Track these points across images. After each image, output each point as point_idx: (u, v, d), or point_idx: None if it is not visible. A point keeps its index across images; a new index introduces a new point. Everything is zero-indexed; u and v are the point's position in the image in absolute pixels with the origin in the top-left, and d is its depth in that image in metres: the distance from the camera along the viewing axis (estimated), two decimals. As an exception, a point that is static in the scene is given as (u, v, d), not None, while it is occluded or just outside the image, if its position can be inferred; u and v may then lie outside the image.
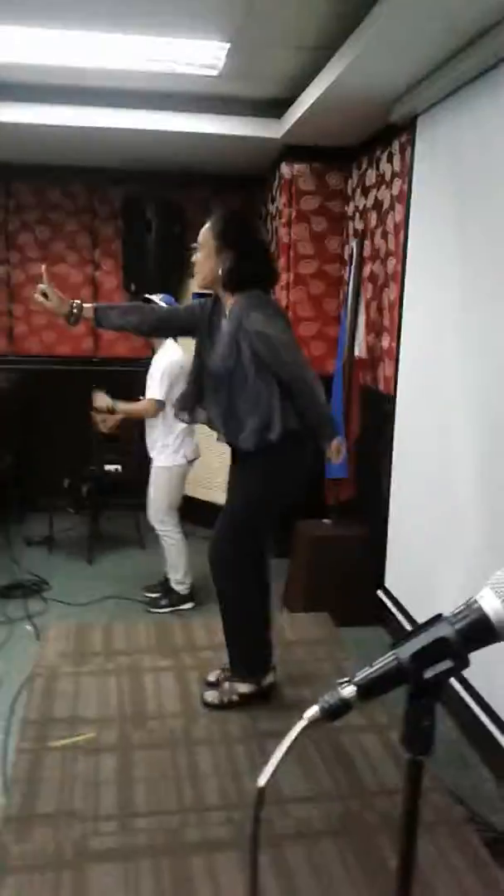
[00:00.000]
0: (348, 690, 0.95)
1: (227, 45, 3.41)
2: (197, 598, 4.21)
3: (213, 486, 4.91)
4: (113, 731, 2.77)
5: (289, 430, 2.73)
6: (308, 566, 4.02)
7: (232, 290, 2.81)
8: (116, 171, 5.52)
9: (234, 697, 2.99)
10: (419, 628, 0.94)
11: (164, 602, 4.18)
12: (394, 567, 3.88)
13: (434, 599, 3.27)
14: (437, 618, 0.94)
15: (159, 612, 4.12)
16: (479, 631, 0.92)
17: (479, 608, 0.92)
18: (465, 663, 0.92)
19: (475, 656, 0.92)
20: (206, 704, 3.00)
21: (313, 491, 4.15)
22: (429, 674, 0.92)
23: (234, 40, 3.35)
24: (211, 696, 3.03)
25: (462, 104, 3.03)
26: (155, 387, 3.91)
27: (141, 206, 5.34)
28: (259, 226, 3.03)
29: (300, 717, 0.96)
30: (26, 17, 3.14)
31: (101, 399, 4.03)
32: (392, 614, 3.76)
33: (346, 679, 0.96)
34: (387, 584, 3.92)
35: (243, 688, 3.00)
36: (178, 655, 3.41)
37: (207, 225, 2.87)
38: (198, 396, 3.01)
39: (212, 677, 3.14)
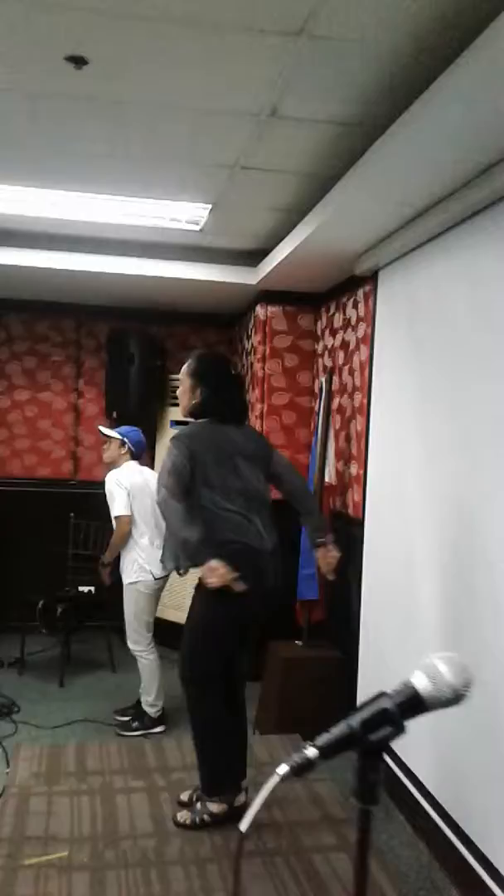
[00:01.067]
0: (311, 751, 1.16)
1: (210, 206, 3.84)
2: (169, 722, 4.22)
3: (186, 607, 5.00)
4: (85, 850, 2.78)
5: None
6: (280, 687, 4.09)
7: (198, 417, 3.17)
8: (103, 307, 5.91)
9: (206, 817, 3.02)
10: (365, 704, 1.17)
11: (135, 724, 4.19)
12: (366, 687, 3.96)
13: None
14: (381, 694, 1.18)
15: (130, 736, 4.13)
16: (412, 704, 1.17)
17: (413, 686, 1.17)
18: (402, 729, 1.16)
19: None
20: (178, 825, 3.03)
21: (284, 612, 4.29)
22: (374, 737, 1.16)
23: (215, 202, 3.77)
24: (182, 816, 3.06)
25: (417, 261, 3.43)
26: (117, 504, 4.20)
27: (125, 339, 5.70)
28: (230, 365, 3.42)
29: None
30: (32, 180, 3.55)
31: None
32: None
33: (308, 743, 1.16)
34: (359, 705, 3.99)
35: (215, 808, 3.03)
36: (151, 776, 3.43)
37: (187, 363, 3.26)
38: None
39: (184, 797, 3.17)
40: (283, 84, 2.50)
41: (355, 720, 1.17)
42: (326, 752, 1.16)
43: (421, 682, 1.17)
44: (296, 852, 2.84)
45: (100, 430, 4.53)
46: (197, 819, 3.02)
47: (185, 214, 4.00)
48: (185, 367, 3.26)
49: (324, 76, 2.44)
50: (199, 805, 3.07)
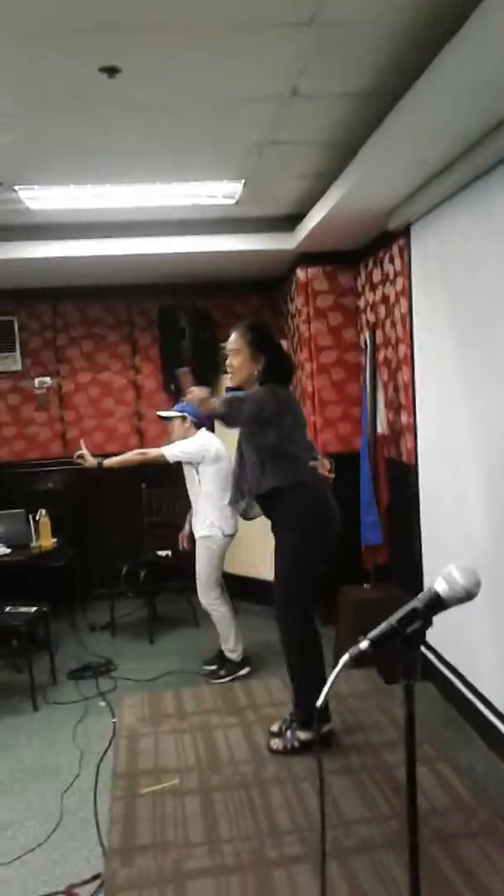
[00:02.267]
0: (364, 644, 1.56)
1: (243, 181, 4.04)
2: (252, 664, 4.53)
3: (258, 562, 5.31)
4: (193, 778, 3.15)
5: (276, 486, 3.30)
6: (353, 627, 4.37)
7: (262, 384, 3.36)
8: (151, 286, 6.18)
9: (296, 744, 3.34)
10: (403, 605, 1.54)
11: (222, 672, 4.50)
12: (434, 624, 4.20)
13: (474, 649, 3.59)
14: (412, 598, 1.56)
15: (219, 683, 4.46)
16: (434, 603, 1.55)
17: (435, 590, 1.56)
18: (429, 622, 1.55)
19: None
20: (273, 751, 3.37)
21: (351, 557, 4.56)
22: (409, 630, 1.55)
23: (248, 177, 3.97)
24: (276, 743, 3.40)
25: (445, 213, 3.59)
26: (174, 447, 4.42)
27: (174, 315, 5.97)
28: (275, 330, 3.65)
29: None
30: (77, 177, 3.81)
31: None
32: (437, 668, 4.07)
33: (362, 637, 1.53)
34: (428, 640, 4.25)
35: (304, 735, 3.35)
36: (243, 713, 3.79)
37: (238, 333, 3.40)
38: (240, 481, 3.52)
39: (274, 728, 3.50)
40: (300, 67, 2.68)
41: (394, 618, 1.56)
42: (375, 643, 1.56)
43: (441, 586, 1.55)
44: (379, 768, 3.15)
45: (159, 416, 4.76)
46: (289, 745, 3.36)
47: (221, 190, 4.20)
48: (237, 337, 3.39)
49: (337, 56, 2.62)
50: (289, 733, 3.39)
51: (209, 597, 4.48)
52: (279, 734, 3.46)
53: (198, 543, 4.49)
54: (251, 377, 3.38)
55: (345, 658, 1.54)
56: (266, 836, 2.71)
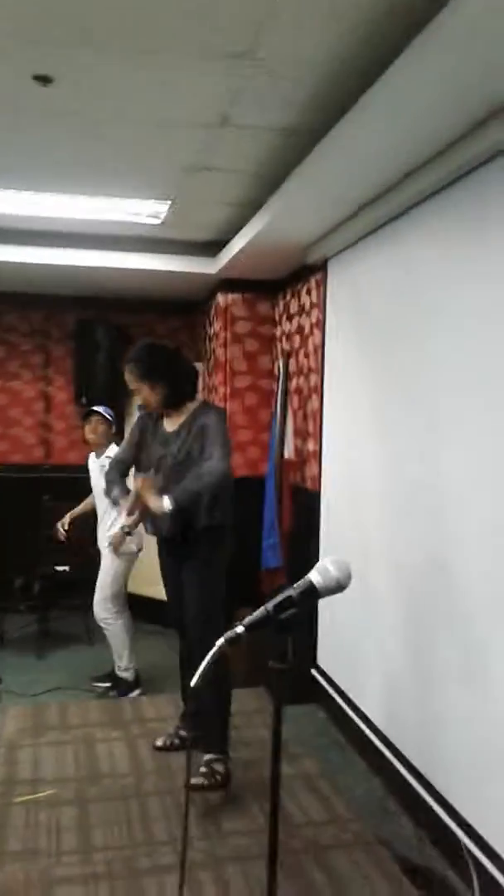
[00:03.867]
0: (240, 628, 1.67)
1: (169, 202, 4.12)
2: (143, 685, 4.45)
3: (157, 581, 5.28)
4: (71, 789, 3.10)
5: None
6: (246, 648, 4.40)
7: (174, 407, 3.32)
8: (70, 297, 6.16)
9: (218, 778, 3.11)
10: (279, 592, 1.65)
11: (112, 693, 4.42)
12: (325, 646, 4.31)
13: (359, 672, 3.70)
14: (287, 587, 1.68)
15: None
16: (308, 592, 1.69)
17: (309, 580, 1.70)
18: (304, 611, 1.68)
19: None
20: (193, 788, 3.03)
21: (249, 580, 4.62)
22: (283, 616, 1.66)
23: (174, 198, 4.05)
24: (198, 780, 3.07)
25: (360, 251, 3.76)
26: None
27: (92, 328, 5.97)
28: (166, 346, 3.45)
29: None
30: (2, 182, 3.80)
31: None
32: (325, 691, 4.16)
33: (238, 622, 1.63)
34: (319, 663, 4.34)
35: (223, 768, 3.15)
36: (128, 727, 3.76)
37: (128, 371, 3.29)
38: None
39: (159, 742, 3.48)
40: (230, 97, 2.78)
41: (269, 605, 1.67)
42: (250, 628, 1.67)
43: (315, 577, 1.70)
44: (260, 782, 3.19)
45: (93, 411, 4.58)
46: (214, 780, 3.10)
47: (147, 209, 4.26)
48: (129, 377, 3.29)
49: (266, 91, 2.73)
50: (211, 766, 3.13)
51: (108, 610, 4.37)
52: (167, 748, 3.44)
53: (106, 553, 4.41)
54: (160, 404, 3.32)
55: (220, 641, 1.64)
56: (140, 845, 2.70)
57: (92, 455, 4.65)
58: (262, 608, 1.67)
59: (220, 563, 3.32)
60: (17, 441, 6.38)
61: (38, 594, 5.31)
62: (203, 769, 3.13)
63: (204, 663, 1.64)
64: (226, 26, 2.28)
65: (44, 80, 2.66)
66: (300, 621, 1.67)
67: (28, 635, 5.48)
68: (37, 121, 3.03)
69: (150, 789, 3.13)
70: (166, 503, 3.05)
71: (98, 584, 4.43)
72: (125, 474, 3.61)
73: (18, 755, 3.42)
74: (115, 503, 3.75)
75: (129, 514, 3.47)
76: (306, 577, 1.70)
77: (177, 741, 3.54)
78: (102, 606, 4.39)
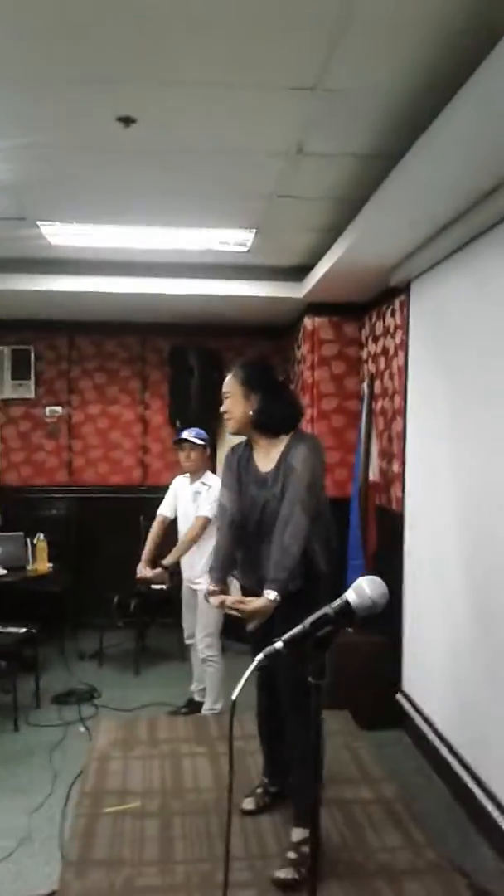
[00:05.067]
0: (279, 644, 1.74)
1: (254, 230, 4.24)
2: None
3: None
4: (156, 802, 3.20)
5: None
6: (335, 668, 4.40)
7: (264, 432, 2.97)
8: (164, 324, 6.39)
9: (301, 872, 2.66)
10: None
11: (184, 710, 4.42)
12: (410, 672, 4.26)
13: (445, 699, 3.64)
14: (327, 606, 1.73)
15: None
16: (344, 611, 1.74)
17: (346, 599, 1.74)
18: (339, 628, 1.73)
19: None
20: (282, 882, 2.67)
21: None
22: (320, 633, 1.71)
23: (258, 227, 4.17)
24: (284, 873, 2.71)
25: (444, 272, 3.75)
26: (206, 506, 4.23)
27: (185, 354, 6.17)
28: (276, 369, 3.13)
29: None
30: (97, 218, 4.02)
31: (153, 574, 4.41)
32: (410, 717, 4.11)
33: (277, 639, 1.71)
34: (405, 689, 4.29)
35: (302, 836, 2.77)
36: (213, 744, 3.83)
37: (231, 374, 3.05)
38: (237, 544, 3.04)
39: (250, 805, 3.14)
40: (304, 127, 2.87)
41: (307, 622, 1.73)
42: (289, 644, 1.73)
43: (351, 596, 1.75)
44: (336, 802, 3.18)
45: (185, 440, 4.40)
46: (300, 873, 2.66)
47: (233, 238, 4.40)
48: (230, 377, 3.05)
49: (339, 118, 2.81)
50: (299, 851, 2.74)
51: (213, 647, 4.27)
52: (258, 810, 3.14)
53: (202, 588, 4.12)
54: (245, 419, 2.96)
55: (260, 656, 1.70)
56: (218, 860, 2.75)
57: (181, 479, 4.57)
58: (301, 626, 1.73)
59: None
60: (117, 463, 6.64)
61: (135, 611, 5.48)
62: (292, 855, 2.75)
63: (245, 676, 1.70)
64: (294, 60, 2.38)
65: (126, 121, 2.82)
66: (335, 639, 1.74)
67: (126, 652, 5.67)
68: (122, 160, 3.21)
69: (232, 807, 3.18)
70: (272, 597, 2.71)
71: (200, 623, 4.31)
72: (239, 533, 3.04)
73: (109, 767, 3.56)
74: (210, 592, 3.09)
75: (220, 606, 3.04)
76: (343, 595, 1.75)
77: (268, 799, 3.20)
78: (207, 644, 4.29)
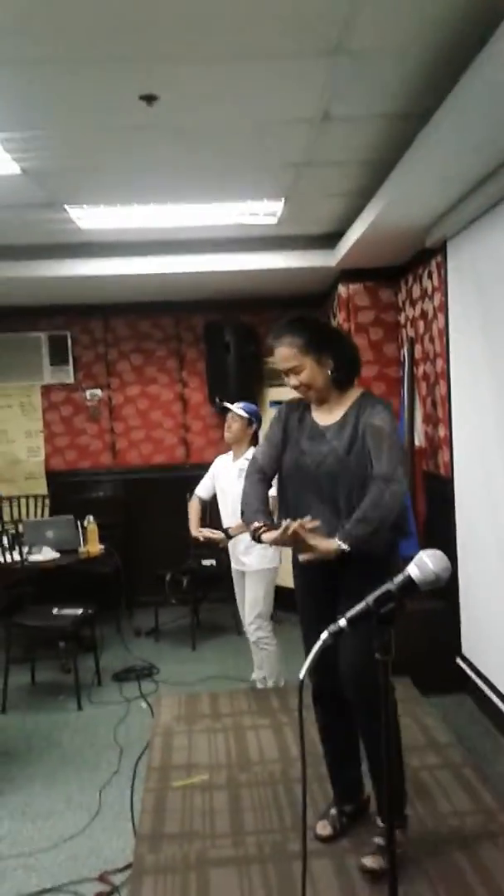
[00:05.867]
0: (343, 622, 1.75)
1: (283, 200, 4.18)
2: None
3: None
4: (223, 774, 3.26)
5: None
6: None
7: (341, 386, 2.73)
8: (198, 302, 6.38)
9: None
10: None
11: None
12: (469, 636, 4.24)
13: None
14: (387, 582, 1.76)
15: None
16: (407, 586, 1.73)
17: (408, 574, 1.73)
18: (403, 605, 1.73)
19: None
20: (369, 871, 2.55)
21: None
22: (383, 610, 1.73)
23: (287, 196, 4.11)
24: (372, 861, 2.57)
25: (479, 230, 3.67)
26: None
27: (220, 330, 6.15)
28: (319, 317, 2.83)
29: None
30: (124, 198, 4.00)
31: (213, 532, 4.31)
32: (473, 680, 4.10)
33: (341, 616, 1.71)
34: (464, 653, 4.28)
35: (404, 836, 2.63)
36: (275, 715, 3.87)
37: (284, 345, 2.70)
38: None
39: (326, 831, 2.80)
40: (329, 92, 2.81)
41: (370, 599, 1.75)
42: (352, 622, 1.75)
43: (413, 571, 1.73)
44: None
45: (226, 407, 4.26)
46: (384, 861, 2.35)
47: (262, 209, 4.35)
48: (288, 350, 2.69)
49: (364, 81, 2.74)
50: (378, 838, 2.60)
51: (264, 628, 4.12)
52: (336, 834, 2.80)
53: (259, 574, 4.11)
54: (327, 383, 2.69)
55: (325, 635, 1.71)
56: (289, 829, 2.80)
57: (223, 458, 4.47)
58: (363, 603, 1.75)
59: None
60: (160, 443, 6.69)
61: (188, 588, 5.55)
62: (380, 840, 2.59)
63: (310, 658, 1.71)
64: (314, 23, 2.31)
65: (148, 99, 2.79)
66: (400, 614, 1.74)
67: (182, 627, 5.75)
68: (146, 138, 3.18)
69: (297, 775, 3.22)
70: (343, 546, 2.47)
71: (248, 603, 4.17)
72: (268, 486, 2.85)
73: (174, 742, 3.62)
74: (249, 525, 2.76)
75: (274, 544, 2.73)
76: (405, 570, 1.74)
77: (344, 820, 2.85)
78: (258, 625, 4.13)
